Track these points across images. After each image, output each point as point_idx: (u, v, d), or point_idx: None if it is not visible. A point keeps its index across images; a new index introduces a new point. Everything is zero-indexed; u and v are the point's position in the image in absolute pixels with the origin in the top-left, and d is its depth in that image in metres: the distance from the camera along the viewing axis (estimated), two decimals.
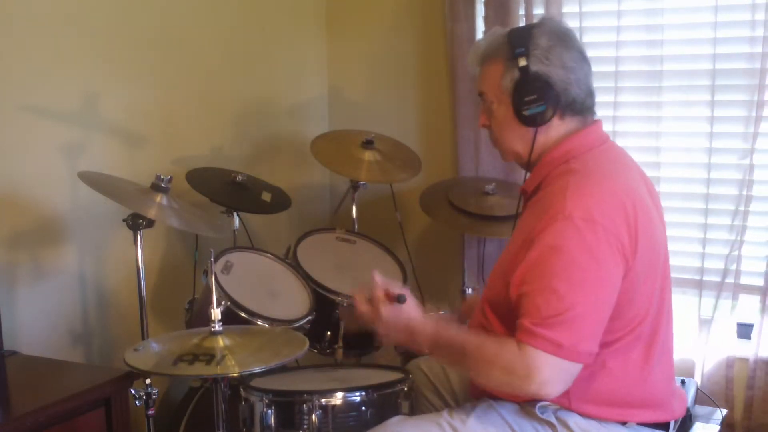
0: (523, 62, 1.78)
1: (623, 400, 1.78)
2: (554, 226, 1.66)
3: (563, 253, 1.65)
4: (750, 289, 2.72)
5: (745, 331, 2.74)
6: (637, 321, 1.75)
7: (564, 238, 1.65)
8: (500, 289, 1.77)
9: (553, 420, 1.78)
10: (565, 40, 1.82)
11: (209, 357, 1.78)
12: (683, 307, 2.81)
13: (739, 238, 2.70)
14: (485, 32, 3.02)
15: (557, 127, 1.83)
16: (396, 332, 1.84)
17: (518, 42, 1.81)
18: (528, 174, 1.89)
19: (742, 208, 2.69)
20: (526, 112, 1.80)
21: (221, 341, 1.84)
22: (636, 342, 1.76)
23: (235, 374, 1.75)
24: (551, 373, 1.63)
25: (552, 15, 2.86)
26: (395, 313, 1.82)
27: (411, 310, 1.83)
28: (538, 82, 1.78)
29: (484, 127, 1.92)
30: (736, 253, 2.70)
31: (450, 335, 1.78)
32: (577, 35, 2.81)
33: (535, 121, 1.80)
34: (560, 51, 1.80)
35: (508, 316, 1.73)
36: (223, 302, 2.15)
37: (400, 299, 1.81)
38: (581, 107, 1.84)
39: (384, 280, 1.86)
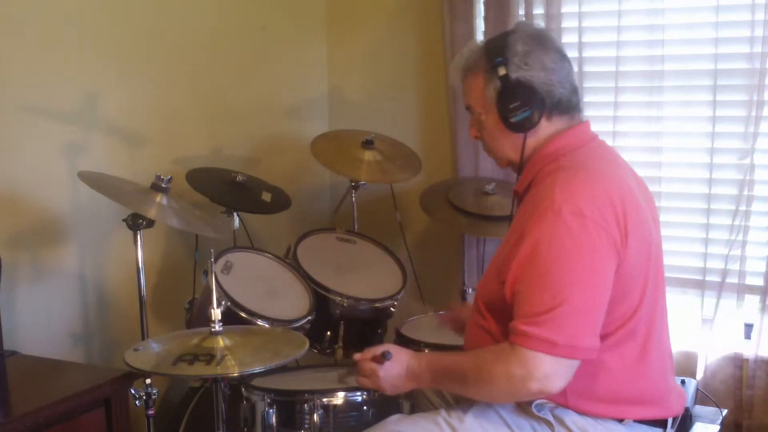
0: (502, 71, 1.80)
1: (619, 396, 1.79)
2: (544, 221, 1.67)
3: (554, 248, 1.65)
4: (750, 289, 2.72)
5: (745, 331, 2.74)
6: (629, 315, 1.75)
7: (554, 233, 1.66)
8: (495, 287, 1.77)
9: (550, 418, 1.79)
10: (541, 42, 1.83)
11: (209, 357, 1.78)
12: (685, 306, 2.81)
13: (740, 238, 2.70)
14: (485, 32, 3.02)
15: (545, 128, 1.84)
16: (400, 384, 1.88)
17: (495, 52, 1.82)
18: (518, 177, 1.90)
19: (743, 208, 2.69)
20: (513, 119, 1.81)
21: (221, 341, 1.84)
22: (630, 337, 1.77)
23: (235, 374, 1.75)
24: (550, 369, 1.65)
25: (551, 15, 2.86)
26: (390, 370, 1.86)
27: (402, 357, 1.87)
28: (520, 88, 1.79)
29: (476, 139, 1.94)
30: (736, 252, 2.70)
31: (445, 363, 1.83)
32: (577, 35, 2.85)
33: (523, 127, 1.82)
34: (538, 54, 1.81)
35: (504, 314, 1.74)
36: (223, 302, 2.15)
37: (385, 356, 1.86)
38: (567, 106, 1.85)
39: (363, 354, 1.92)
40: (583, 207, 1.66)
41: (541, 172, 1.81)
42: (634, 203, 1.75)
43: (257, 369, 1.77)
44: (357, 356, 1.92)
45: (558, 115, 1.84)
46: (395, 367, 1.86)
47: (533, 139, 1.84)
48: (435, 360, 1.85)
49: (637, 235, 1.72)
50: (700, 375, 2.75)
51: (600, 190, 1.71)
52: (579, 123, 1.87)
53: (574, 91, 1.86)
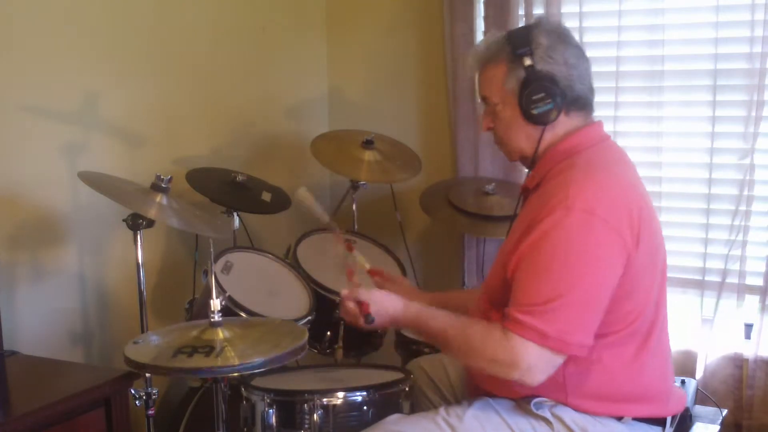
0: (528, 62, 1.80)
1: (618, 395, 1.79)
2: (554, 215, 1.67)
3: (560, 242, 1.66)
4: (750, 289, 2.72)
5: (745, 331, 2.74)
6: (634, 315, 1.76)
7: (562, 227, 1.66)
8: (499, 280, 1.78)
9: (549, 416, 1.79)
10: (563, 37, 1.84)
11: (209, 349, 1.77)
12: (685, 306, 2.81)
13: (740, 238, 2.70)
14: (485, 32, 3.03)
15: (563, 124, 1.84)
16: (380, 326, 1.94)
17: (520, 42, 1.82)
18: (529, 172, 1.89)
19: (743, 208, 2.69)
20: (534, 111, 1.81)
21: (221, 333, 1.83)
22: (631, 336, 1.77)
23: (235, 365, 1.73)
24: (536, 361, 1.66)
25: (551, 15, 2.86)
26: (376, 314, 1.88)
27: (386, 308, 1.88)
28: (544, 80, 1.79)
29: (488, 131, 1.92)
30: (736, 252, 2.70)
31: (431, 323, 1.84)
32: (577, 35, 2.84)
33: (542, 120, 1.82)
34: (561, 48, 1.81)
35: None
36: (221, 297, 2.15)
37: (367, 319, 1.88)
38: (585, 103, 1.86)
39: (350, 293, 1.92)
40: (595, 206, 1.67)
41: (554, 170, 1.81)
42: (645, 204, 1.77)
43: (257, 360, 1.75)
44: (344, 293, 1.93)
45: (576, 111, 1.85)
46: (378, 317, 1.88)
47: (550, 134, 1.84)
48: (421, 316, 1.86)
49: (647, 236, 1.73)
50: (700, 375, 2.75)
51: (613, 190, 1.72)
52: (593, 122, 1.88)
53: (591, 88, 1.88)
